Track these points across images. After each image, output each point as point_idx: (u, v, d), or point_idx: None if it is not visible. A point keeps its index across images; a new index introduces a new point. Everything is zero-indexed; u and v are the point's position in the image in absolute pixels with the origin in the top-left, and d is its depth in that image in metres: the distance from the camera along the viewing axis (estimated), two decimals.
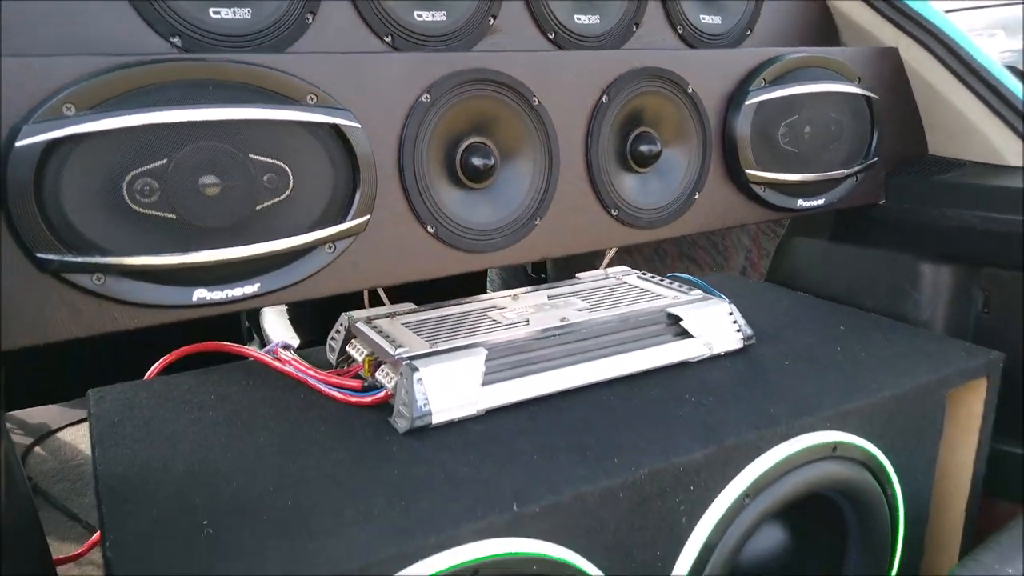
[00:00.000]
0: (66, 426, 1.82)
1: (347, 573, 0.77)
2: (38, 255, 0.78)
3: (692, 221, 1.28)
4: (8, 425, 1.82)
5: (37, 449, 1.76)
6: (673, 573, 0.99)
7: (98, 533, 1.08)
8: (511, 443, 0.99)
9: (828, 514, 1.15)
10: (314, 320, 2.50)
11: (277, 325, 2.56)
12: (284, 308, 2.49)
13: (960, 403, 1.27)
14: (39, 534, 0.99)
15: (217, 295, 0.88)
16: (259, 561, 0.78)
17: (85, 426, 1.89)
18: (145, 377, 1.23)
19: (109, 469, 0.95)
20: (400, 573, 0.80)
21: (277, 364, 1.21)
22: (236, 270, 0.88)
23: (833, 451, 1.08)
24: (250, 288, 0.90)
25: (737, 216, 1.32)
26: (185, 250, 0.83)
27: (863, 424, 1.11)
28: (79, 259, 0.78)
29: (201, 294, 0.87)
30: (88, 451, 1.69)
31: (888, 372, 1.19)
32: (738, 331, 1.26)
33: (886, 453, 1.15)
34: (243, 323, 2.47)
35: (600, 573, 0.92)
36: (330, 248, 0.95)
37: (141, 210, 0.82)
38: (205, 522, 0.84)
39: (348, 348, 1.22)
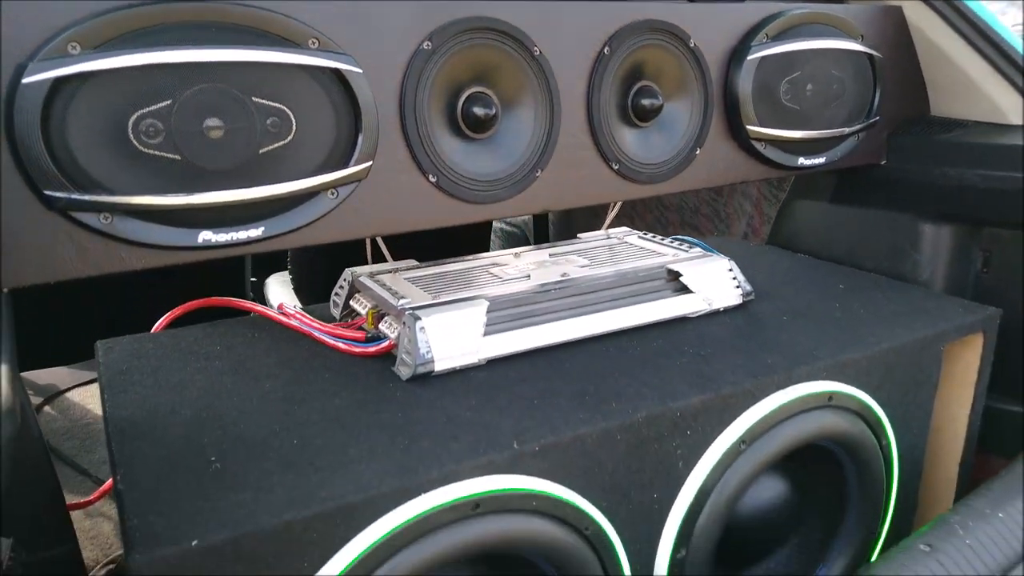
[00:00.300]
0: (74, 387, 1.85)
1: (351, 503, 0.79)
2: (46, 192, 0.79)
3: (693, 177, 1.28)
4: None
5: (47, 409, 1.79)
6: (670, 515, 1.01)
7: (109, 482, 1.10)
8: (512, 389, 1.01)
9: (825, 465, 1.17)
10: (318, 289, 2.52)
11: (282, 295, 2.58)
12: (288, 278, 2.51)
13: (957, 358, 1.28)
14: (52, 476, 1.01)
15: (222, 237, 0.89)
16: (265, 493, 0.80)
17: (93, 387, 1.91)
18: (152, 331, 1.24)
19: (118, 412, 0.97)
20: (403, 505, 0.82)
21: (282, 318, 1.22)
22: (240, 213, 0.89)
23: (829, 400, 1.10)
24: (254, 232, 0.91)
25: (738, 172, 1.33)
26: (190, 191, 0.85)
27: (859, 375, 1.13)
28: (86, 197, 0.80)
29: (206, 236, 0.88)
30: (97, 410, 1.72)
31: (886, 326, 1.21)
32: (737, 287, 1.27)
33: (882, 405, 1.16)
34: (248, 291, 2.49)
35: (598, 512, 0.94)
36: (333, 194, 0.96)
37: (146, 150, 0.83)
38: (212, 458, 0.86)
39: (351, 302, 1.24)
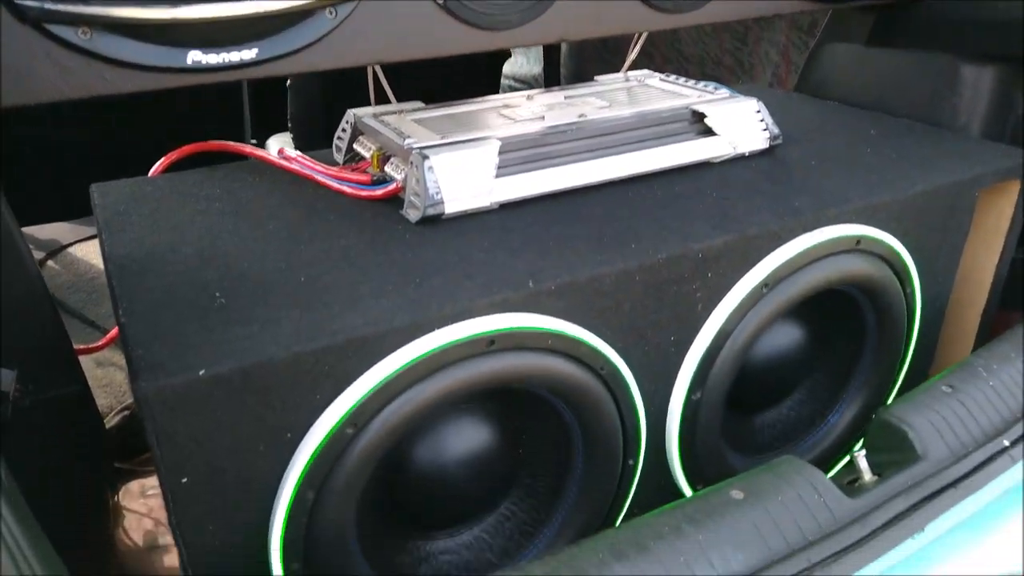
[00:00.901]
0: (76, 242, 1.82)
1: (363, 336, 0.77)
2: (17, 1, 0.72)
3: (724, 8, 1.19)
4: None
5: (50, 263, 1.77)
6: (686, 357, 0.99)
7: (116, 329, 1.09)
8: (526, 232, 0.97)
9: (844, 312, 1.14)
10: (319, 147, 2.44)
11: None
12: (289, 137, 2.43)
13: (990, 205, 1.23)
14: (55, 314, 0.99)
15: (213, 58, 0.82)
16: (273, 326, 0.77)
17: (96, 242, 1.88)
18: (148, 175, 1.19)
19: (117, 250, 0.93)
20: (416, 340, 0.80)
21: (283, 162, 1.17)
22: (232, 31, 0.82)
23: (856, 244, 1.05)
24: (248, 53, 0.84)
25: (772, 4, 1.23)
26: (175, 3, 0.77)
27: (889, 219, 1.08)
28: (60, 7, 0.73)
29: (196, 56, 0.81)
30: (102, 265, 1.69)
31: (919, 170, 1.15)
32: (764, 130, 1.20)
33: (910, 251, 1.12)
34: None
35: (614, 352, 0.92)
36: (331, 13, 0.88)
37: None
38: (217, 294, 0.83)
39: (355, 145, 1.17)
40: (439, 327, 0.81)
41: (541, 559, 0.73)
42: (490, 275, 0.87)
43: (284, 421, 0.76)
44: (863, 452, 0.87)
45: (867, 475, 0.85)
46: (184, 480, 0.73)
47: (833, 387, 1.20)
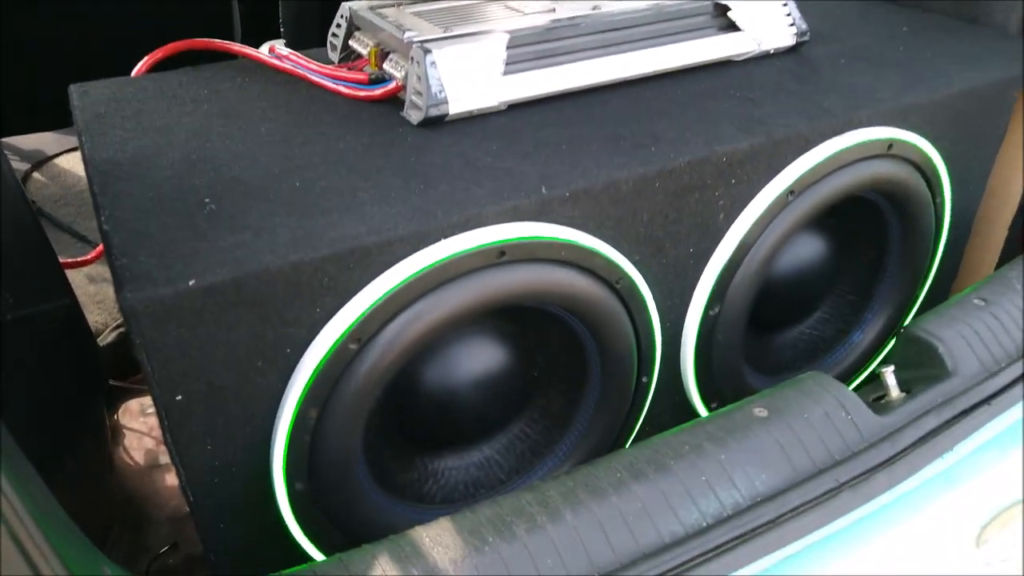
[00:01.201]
0: (62, 153, 1.74)
1: (365, 245, 0.71)
2: None
3: None
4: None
5: (36, 175, 1.70)
6: (705, 270, 0.94)
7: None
8: (536, 134, 0.90)
9: (869, 222, 1.09)
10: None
11: None
12: (282, 44, 2.31)
13: None
14: (36, 227, 0.93)
15: None
16: (268, 233, 0.72)
17: None
18: (131, 75, 1.11)
19: (99, 154, 0.87)
20: (422, 250, 0.74)
21: (274, 61, 1.09)
22: None
23: (888, 149, 0.99)
24: None
25: None
26: None
27: (923, 122, 1.01)
28: None
29: None
30: None
31: (955, 69, 1.07)
32: (791, 25, 1.12)
33: (943, 157, 1.05)
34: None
35: (630, 265, 0.87)
36: None
37: None
38: (207, 200, 0.77)
39: (351, 42, 1.09)
40: (446, 236, 0.75)
41: (557, 478, 0.69)
42: (499, 181, 0.81)
43: (283, 336, 0.72)
44: (891, 368, 0.83)
45: (894, 392, 0.82)
46: (179, 398, 0.69)
47: (856, 303, 1.15)
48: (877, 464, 0.72)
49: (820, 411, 0.75)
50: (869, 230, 1.09)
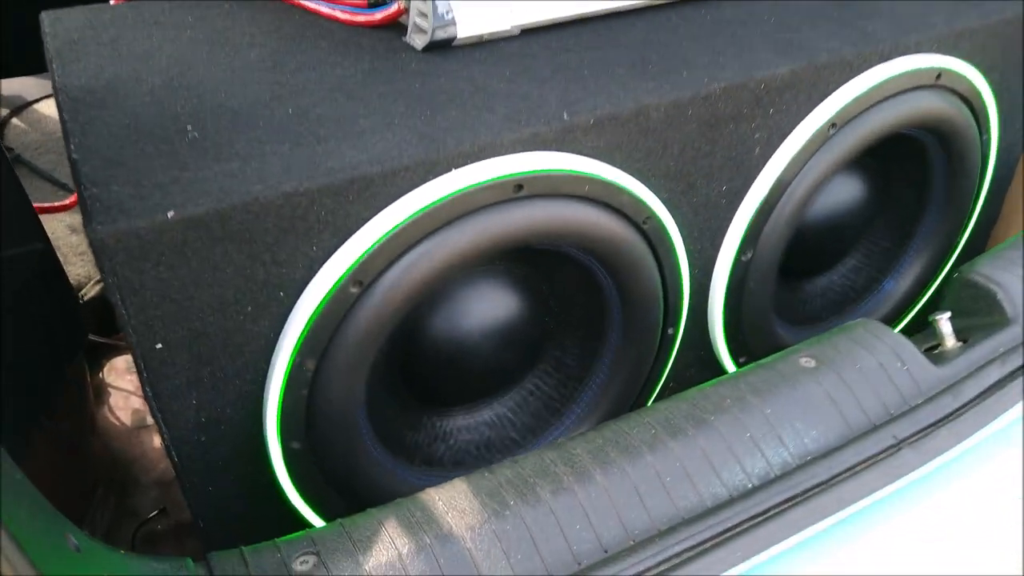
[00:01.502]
0: (43, 98, 1.65)
1: (366, 175, 0.63)
2: None
3: None
4: None
5: (15, 121, 1.61)
6: (739, 210, 0.86)
7: None
8: (555, 59, 0.82)
9: (911, 163, 1.00)
10: None
11: None
12: None
13: None
14: (7, 170, 0.85)
15: None
16: (257, 162, 0.64)
17: None
18: (109, 2, 1.02)
19: (71, 81, 0.78)
20: (430, 182, 0.66)
21: None
22: None
23: (936, 79, 0.90)
24: None
25: None
26: None
27: (975, 51, 0.93)
28: None
29: None
30: None
31: None
32: None
33: (993, 91, 0.97)
34: None
35: (659, 203, 0.79)
36: None
37: None
38: (189, 127, 0.69)
39: None
40: (457, 167, 0.67)
41: (583, 435, 0.62)
42: (515, 107, 0.73)
43: (275, 277, 0.64)
44: (946, 314, 0.75)
45: (950, 341, 0.74)
46: (158, 346, 0.62)
47: (890, 250, 1.08)
48: (938, 419, 0.65)
49: (873, 361, 0.68)
50: (910, 171, 1.01)
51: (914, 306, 1.11)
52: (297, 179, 0.62)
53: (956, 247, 1.11)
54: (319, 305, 0.65)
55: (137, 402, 1.16)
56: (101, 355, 1.26)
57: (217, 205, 0.59)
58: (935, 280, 1.11)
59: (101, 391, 1.19)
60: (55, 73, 0.80)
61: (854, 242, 1.06)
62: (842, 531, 0.58)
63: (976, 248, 1.17)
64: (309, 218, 0.63)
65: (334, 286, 0.65)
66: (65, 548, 0.42)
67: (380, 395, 0.76)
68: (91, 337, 1.12)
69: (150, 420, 1.16)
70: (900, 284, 1.08)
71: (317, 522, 0.77)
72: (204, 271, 0.60)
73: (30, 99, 1.65)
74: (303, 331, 0.66)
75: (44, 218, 1.21)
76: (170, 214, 0.57)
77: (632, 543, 0.56)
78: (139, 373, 0.63)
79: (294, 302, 0.66)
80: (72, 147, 0.66)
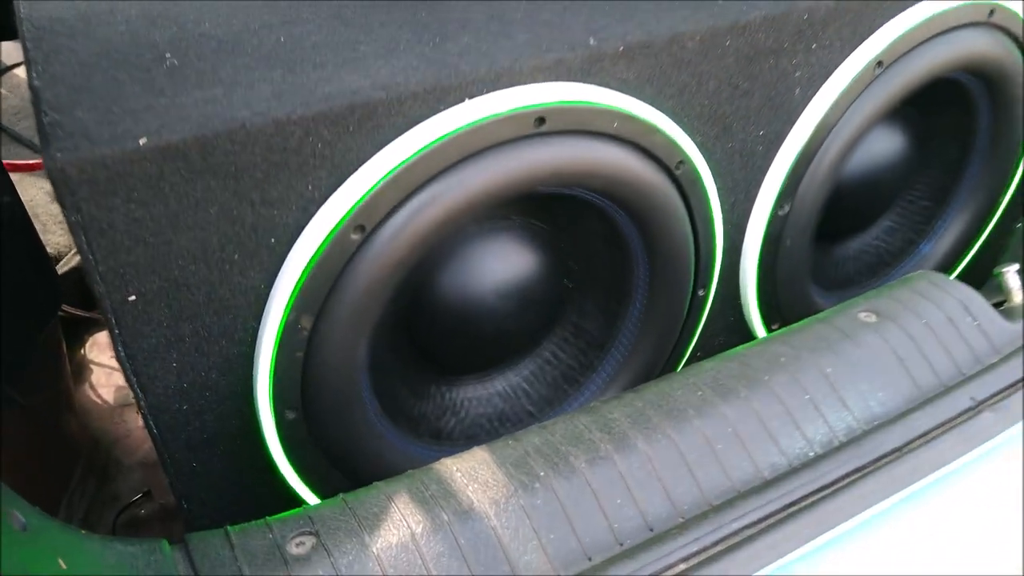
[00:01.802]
0: (21, 63, 1.57)
1: (369, 102, 0.55)
2: None
3: None
4: None
5: None
6: (777, 158, 0.79)
7: None
8: None
9: (955, 113, 0.93)
10: None
11: None
12: None
13: None
14: None
15: None
16: (244, 88, 0.55)
17: None
18: None
19: (36, 12, 0.69)
20: (441, 113, 0.58)
21: None
22: None
23: (989, 16, 0.83)
24: None
25: None
26: None
27: None
28: None
29: None
30: None
31: None
32: None
33: None
34: None
35: (693, 146, 0.71)
36: None
37: None
38: (167, 55, 0.60)
39: None
40: (471, 96, 0.59)
41: (621, 398, 0.55)
42: (536, 32, 0.64)
43: (266, 220, 0.56)
44: (1014, 267, 0.68)
45: (1018, 296, 0.67)
46: (131, 298, 0.54)
47: (930, 208, 1.00)
48: (1017, 379, 0.58)
49: (940, 315, 0.61)
50: (954, 121, 0.94)
51: (953, 270, 1.04)
52: (290, 105, 0.54)
53: (999, 206, 1.03)
54: (315, 254, 0.57)
55: (120, 379, 1.09)
56: (83, 330, 1.19)
57: (197, 131, 0.51)
58: (975, 242, 1.04)
59: (82, 368, 1.11)
60: (19, 8, 0.72)
61: (891, 200, 0.99)
62: (920, 504, 0.51)
63: (1015, 215, 1.09)
64: (304, 152, 0.55)
65: (332, 232, 0.57)
66: (6, 526, 0.34)
67: (384, 359, 0.69)
68: (71, 310, 1.04)
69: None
70: (938, 247, 1.01)
71: (314, 501, 0.69)
72: (183, 210, 0.52)
73: (10, 64, 1.56)
74: (297, 284, 0.58)
75: (22, 184, 1.12)
76: (142, 141, 0.49)
77: (681, 520, 0.48)
78: (110, 331, 0.55)
79: (287, 250, 0.58)
80: (34, 75, 0.58)
